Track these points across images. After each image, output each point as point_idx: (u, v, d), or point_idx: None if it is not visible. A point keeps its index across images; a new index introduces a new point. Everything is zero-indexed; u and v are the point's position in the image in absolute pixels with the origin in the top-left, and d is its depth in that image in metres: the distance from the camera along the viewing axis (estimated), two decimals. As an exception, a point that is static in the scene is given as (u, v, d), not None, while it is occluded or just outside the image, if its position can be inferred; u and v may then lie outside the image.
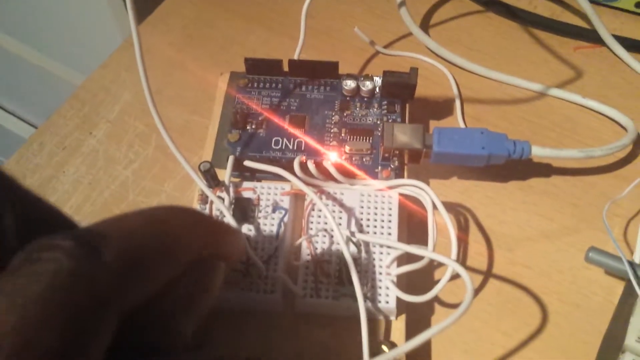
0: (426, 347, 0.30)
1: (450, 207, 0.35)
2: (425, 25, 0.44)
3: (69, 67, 0.68)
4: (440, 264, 0.32)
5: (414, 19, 0.42)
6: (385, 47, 0.43)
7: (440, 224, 0.30)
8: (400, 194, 0.31)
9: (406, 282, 0.30)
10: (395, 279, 0.28)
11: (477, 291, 0.32)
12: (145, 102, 0.30)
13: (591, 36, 0.41)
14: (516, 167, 0.36)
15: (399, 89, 0.35)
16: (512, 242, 0.34)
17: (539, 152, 0.32)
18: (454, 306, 0.32)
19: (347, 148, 0.33)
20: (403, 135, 0.32)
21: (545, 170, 0.36)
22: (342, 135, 0.34)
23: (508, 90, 0.40)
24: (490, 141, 0.32)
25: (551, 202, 0.35)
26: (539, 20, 0.43)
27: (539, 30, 0.43)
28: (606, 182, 0.36)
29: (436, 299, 0.32)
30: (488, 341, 0.31)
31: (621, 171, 0.36)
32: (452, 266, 0.25)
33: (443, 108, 0.39)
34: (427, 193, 0.29)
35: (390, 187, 0.31)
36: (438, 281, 0.31)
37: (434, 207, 0.29)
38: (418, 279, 0.30)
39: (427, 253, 0.27)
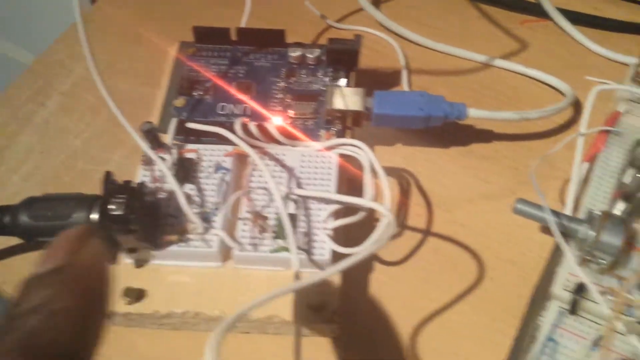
0: (362, 304, 0.31)
1: (393, 171, 0.36)
2: (376, 0, 0.45)
3: (24, 48, 0.68)
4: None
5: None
6: (337, 21, 0.43)
7: (381, 188, 0.31)
8: (342, 157, 0.32)
9: (345, 240, 0.30)
10: (331, 233, 0.29)
11: (415, 250, 0.33)
12: (99, 75, 0.30)
13: (537, 10, 0.42)
14: (458, 133, 0.37)
15: (344, 56, 0.36)
16: (452, 203, 0.35)
17: (475, 114, 0.33)
18: (393, 264, 0.33)
19: (291, 112, 0.34)
20: (344, 98, 0.33)
21: (486, 135, 0.37)
22: (287, 100, 0.35)
23: (455, 62, 0.41)
24: (427, 103, 0.33)
25: (491, 166, 0.36)
26: (486, -4, 0.44)
27: (488, 5, 0.44)
28: (546, 146, 0.37)
29: (376, 258, 0.33)
30: (426, 297, 0.31)
31: (560, 136, 0.37)
32: (379, 209, 0.26)
33: (390, 79, 0.40)
34: (363, 151, 0.30)
35: (330, 148, 0.32)
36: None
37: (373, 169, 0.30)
38: (358, 237, 0.31)
39: (357, 200, 0.28)
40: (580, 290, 0.27)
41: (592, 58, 0.41)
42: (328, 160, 0.31)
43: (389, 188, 0.29)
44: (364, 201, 0.28)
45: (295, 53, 0.36)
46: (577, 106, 0.38)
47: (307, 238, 0.29)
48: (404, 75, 0.40)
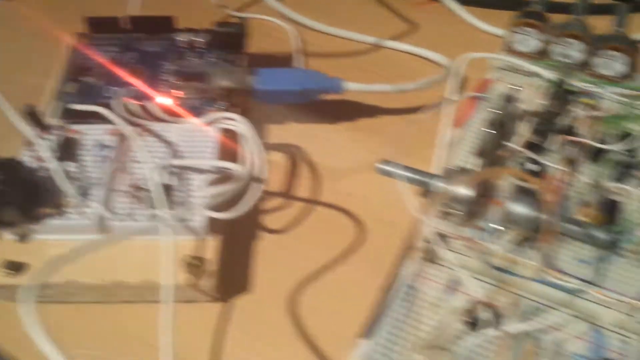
0: (246, 269, 0.32)
1: (285, 147, 0.37)
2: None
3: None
4: (269, 195, 0.34)
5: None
6: (237, 10, 0.45)
7: (274, 161, 0.33)
8: (225, 133, 0.33)
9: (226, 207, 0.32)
10: (207, 200, 0.30)
11: (302, 218, 0.34)
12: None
13: (427, -7, 0.44)
14: (347, 109, 0.38)
15: (230, 39, 0.37)
16: (340, 174, 0.36)
17: (352, 87, 0.35)
18: (277, 232, 0.34)
19: (178, 93, 0.35)
20: (226, 76, 0.34)
21: (373, 111, 0.39)
22: (176, 82, 0.36)
23: (349, 45, 0.43)
24: (305, 78, 0.34)
25: (377, 139, 0.37)
26: (380, -18, 0.46)
27: (382, -10, 0.46)
28: (429, 118, 0.38)
29: (262, 227, 0.34)
30: (311, 260, 0.32)
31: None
32: (237, 170, 0.28)
33: (286, 63, 0.42)
34: (239, 122, 0.32)
35: (211, 123, 0.33)
36: (266, 210, 0.33)
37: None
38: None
39: (222, 164, 0.29)
40: (436, 240, 0.28)
41: (480, 35, 0.43)
42: (207, 134, 0.33)
43: (262, 155, 0.31)
44: (225, 164, 0.29)
45: (183, 38, 0.37)
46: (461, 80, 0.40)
47: (183, 207, 0.30)
48: (299, 58, 0.41)
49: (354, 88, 0.35)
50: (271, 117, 0.39)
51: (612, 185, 0.30)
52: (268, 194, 0.35)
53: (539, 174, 0.30)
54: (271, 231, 0.34)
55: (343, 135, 0.38)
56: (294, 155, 0.37)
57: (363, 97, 0.39)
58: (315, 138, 0.38)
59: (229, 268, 0.31)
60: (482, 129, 0.31)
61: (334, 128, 0.38)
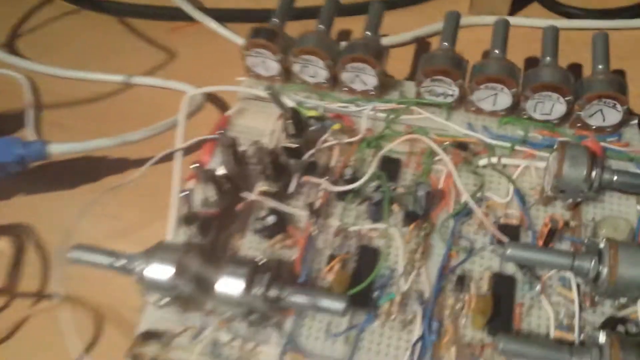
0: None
1: (8, 230, 0.31)
2: (11, 39, 0.40)
3: None
4: None
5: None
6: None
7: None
8: None
9: None
10: None
11: (27, 318, 0.28)
12: None
13: (184, 15, 0.39)
14: (88, 169, 0.32)
15: None
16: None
17: (58, 149, 0.29)
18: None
19: None
20: None
21: (118, 166, 0.33)
22: None
23: (96, 87, 0.37)
24: (-2, 149, 0.28)
25: (121, 199, 0.31)
26: (131, 10, 0.40)
27: (134, 18, 0.40)
28: (186, 166, 0.32)
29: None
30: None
31: (191, 157, 0.32)
32: None
33: (13, 121, 0.35)
34: None
35: None
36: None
37: None
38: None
39: None
40: (150, 337, 0.22)
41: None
42: None
43: None
44: None
45: None
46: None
47: None
48: (32, 114, 0.35)
49: (63, 150, 0.29)
50: (-6, 191, 0.32)
51: (366, 226, 0.25)
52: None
53: (280, 227, 0.25)
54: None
55: (81, 201, 0.31)
56: (20, 237, 0.31)
57: (108, 151, 0.33)
58: (47, 210, 0.32)
59: None
60: (189, 186, 0.25)
61: (70, 193, 0.32)
